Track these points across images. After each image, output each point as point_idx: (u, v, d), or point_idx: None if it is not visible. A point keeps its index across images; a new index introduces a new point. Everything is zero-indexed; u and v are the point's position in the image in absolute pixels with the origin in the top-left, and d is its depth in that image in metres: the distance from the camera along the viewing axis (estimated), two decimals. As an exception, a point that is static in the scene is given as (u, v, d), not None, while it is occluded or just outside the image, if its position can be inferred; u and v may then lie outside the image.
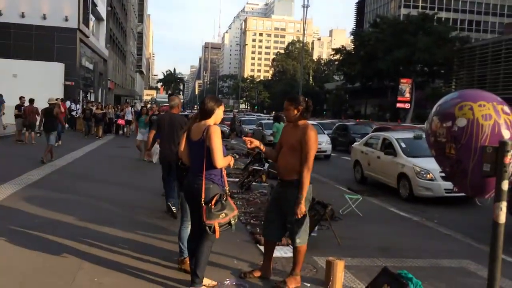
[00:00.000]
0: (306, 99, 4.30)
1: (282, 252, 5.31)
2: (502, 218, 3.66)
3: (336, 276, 4.29)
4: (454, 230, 7.13)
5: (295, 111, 4.22)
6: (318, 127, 19.08)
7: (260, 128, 23.48)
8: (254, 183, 9.86)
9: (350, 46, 65.76)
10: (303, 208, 4.12)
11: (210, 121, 3.99)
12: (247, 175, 10.18)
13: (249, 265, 4.88)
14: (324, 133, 18.50)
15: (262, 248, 5.41)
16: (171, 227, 6.02)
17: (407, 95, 45.64)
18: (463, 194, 9.27)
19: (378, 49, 52.02)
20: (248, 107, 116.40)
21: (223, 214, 3.81)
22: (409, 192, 9.70)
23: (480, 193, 3.97)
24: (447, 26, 55.27)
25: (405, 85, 47.10)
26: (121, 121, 24.29)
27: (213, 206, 3.79)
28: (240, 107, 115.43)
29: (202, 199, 3.82)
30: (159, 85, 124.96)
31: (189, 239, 4.20)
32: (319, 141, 20.06)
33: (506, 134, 3.78)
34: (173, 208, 6.20)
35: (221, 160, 3.83)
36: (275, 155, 4.48)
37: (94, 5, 35.92)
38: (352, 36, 65.97)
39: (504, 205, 3.64)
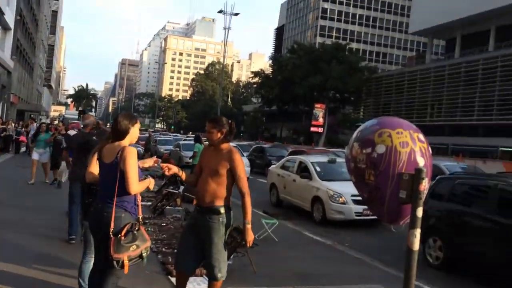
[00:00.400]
0: (230, 121, 4.05)
1: (195, 283, 4.96)
2: (416, 245, 3.67)
3: (252, 310, 4.02)
4: (364, 253, 7.26)
5: (219, 134, 3.94)
6: (237, 149, 18.99)
7: (178, 149, 22.85)
8: (168, 207, 9.37)
9: (268, 70, 67.52)
10: (251, 235, 3.87)
11: (125, 142, 3.58)
12: (161, 198, 9.66)
13: (158, 300, 4.46)
14: (244, 155, 18.41)
15: (174, 280, 5.02)
16: (74, 259, 5.36)
17: (321, 119, 47.56)
18: (372, 217, 9.72)
19: (295, 74, 53.95)
20: (165, 127, 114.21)
21: (134, 246, 3.40)
22: (322, 215, 9.81)
23: (395, 220, 3.98)
24: (357, 56, 58.98)
25: (319, 110, 49.13)
26: (23, 138, 22.30)
27: (123, 238, 3.38)
28: (156, 126, 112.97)
29: (111, 230, 3.39)
30: (69, 100, 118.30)
31: (91, 274, 3.71)
32: None
33: (421, 162, 3.84)
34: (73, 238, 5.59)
35: (136, 185, 3.44)
36: (194, 179, 4.15)
37: (1, 13, 33.17)
38: (271, 61, 67.90)
39: (418, 232, 3.66)
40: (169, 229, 7.62)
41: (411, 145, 3.87)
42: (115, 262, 3.33)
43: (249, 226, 3.82)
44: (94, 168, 3.81)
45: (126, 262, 3.34)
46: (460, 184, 6.80)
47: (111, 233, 3.37)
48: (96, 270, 3.63)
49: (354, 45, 71.49)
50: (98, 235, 3.56)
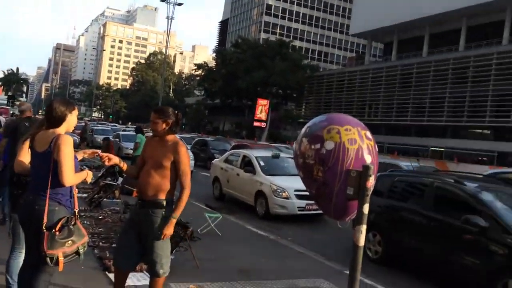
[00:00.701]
0: (176, 112, 3.88)
1: (134, 279, 4.75)
2: (362, 241, 3.71)
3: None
4: (307, 247, 7.35)
5: (164, 125, 3.75)
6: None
7: (117, 139, 22.06)
8: (105, 200, 8.98)
9: (212, 63, 66.98)
10: (171, 230, 3.68)
11: (61, 130, 3.31)
12: (98, 190, 9.24)
13: (95, 298, 4.22)
14: (188, 149, 17.94)
15: (112, 276, 4.78)
16: (1, 254, 4.95)
17: (264, 115, 47.88)
18: (314, 212, 9.90)
19: (238, 68, 53.96)
20: (102, 116, 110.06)
21: (70, 242, 3.17)
22: (266, 210, 9.83)
23: (342, 216, 4.01)
24: (300, 54, 60.01)
25: (263, 106, 49.43)
26: None
27: (57, 233, 3.13)
28: (93, 115, 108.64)
29: (44, 224, 3.13)
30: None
31: (20, 272, 3.40)
32: None
33: (368, 159, 3.87)
34: None
35: (72, 176, 3.19)
36: (135, 171, 3.94)
37: None
38: (215, 54, 67.37)
39: (364, 228, 3.70)
40: (106, 223, 7.30)
41: (359, 142, 3.89)
42: (48, 259, 3.09)
43: (174, 221, 3.68)
44: (25, 157, 3.52)
45: (61, 259, 3.12)
46: (399, 181, 7.05)
47: (44, 228, 3.12)
48: (26, 267, 3.34)
49: (297, 43, 72.65)
50: (29, 229, 3.28)
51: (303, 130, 4.27)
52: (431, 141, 37.45)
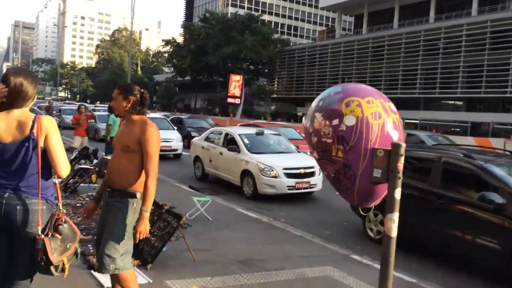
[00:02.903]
0: (142, 90, 3.36)
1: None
2: (395, 231, 3.27)
3: (203, 311, 3.41)
4: (303, 229, 6.94)
5: (124, 102, 3.26)
6: (166, 122, 17.70)
7: (93, 120, 20.94)
8: (81, 185, 8.29)
9: (180, 39, 65.07)
10: (146, 226, 3.13)
11: (27, 110, 2.69)
12: (73, 174, 8.51)
13: (82, 304, 3.66)
14: (174, 129, 17.06)
15: (98, 276, 4.22)
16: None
17: (238, 91, 47.07)
18: (304, 191, 9.49)
19: (208, 44, 52.58)
20: (69, 95, 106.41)
21: (70, 243, 2.70)
22: (253, 190, 9.36)
23: (366, 202, 3.54)
24: (270, 28, 58.89)
25: (236, 82, 48.60)
26: None
27: (58, 236, 2.63)
28: (59, 94, 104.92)
29: (39, 227, 2.60)
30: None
31: None
32: (169, 138, 18.25)
33: (395, 135, 3.40)
34: None
35: (68, 166, 2.71)
36: None
37: None
38: (182, 29, 65.37)
39: (396, 216, 3.26)
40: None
41: (384, 117, 3.40)
42: (52, 268, 2.59)
43: (146, 215, 3.14)
44: None
45: (67, 265, 2.68)
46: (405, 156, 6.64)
47: (39, 232, 2.59)
48: (5, 283, 2.71)
49: (266, 17, 71.31)
50: (8, 237, 2.65)
51: (315, 103, 3.74)
52: (405, 113, 37.66)
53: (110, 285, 3.67)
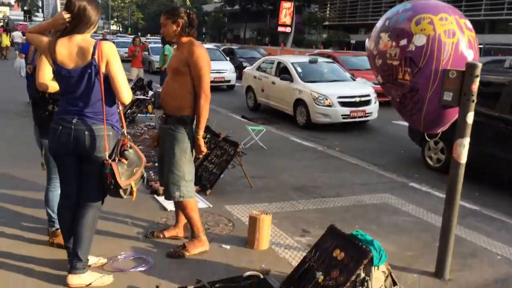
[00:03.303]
0: (188, 11, 3.26)
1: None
2: (464, 157, 3.09)
3: (262, 235, 3.47)
4: (359, 158, 6.86)
5: (174, 26, 3.18)
6: (218, 52, 17.51)
7: (146, 53, 21.06)
8: (139, 115, 8.51)
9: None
10: (202, 147, 3.23)
11: (88, 35, 2.68)
12: (130, 104, 8.71)
13: (148, 225, 3.84)
14: (227, 59, 16.88)
15: (161, 199, 4.39)
16: (38, 178, 4.55)
17: (288, 19, 45.40)
18: (359, 119, 9.26)
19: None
20: (120, 29, 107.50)
21: (136, 168, 2.79)
22: (306, 119, 9.24)
23: (434, 127, 3.35)
24: None
25: (287, 9, 46.76)
26: None
27: (124, 161, 2.72)
28: (111, 28, 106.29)
29: (106, 153, 2.68)
30: (12, 0, 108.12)
31: (60, 209, 2.91)
32: (223, 69, 18.19)
33: (469, 55, 3.12)
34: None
35: (130, 92, 2.73)
36: None
37: None
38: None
39: (467, 141, 3.06)
40: (144, 140, 6.86)
41: (458, 35, 3.10)
42: (121, 191, 2.70)
43: (200, 138, 3.21)
44: (46, 74, 2.95)
45: (134, 188, 2.77)
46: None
47: (107, 158, 2.67)
48: (69, 204, 2.84)
49: None
50: (69, 159, 2.74)
51: (380, 23, 3.47)
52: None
53: (173, 208, 3.81)
